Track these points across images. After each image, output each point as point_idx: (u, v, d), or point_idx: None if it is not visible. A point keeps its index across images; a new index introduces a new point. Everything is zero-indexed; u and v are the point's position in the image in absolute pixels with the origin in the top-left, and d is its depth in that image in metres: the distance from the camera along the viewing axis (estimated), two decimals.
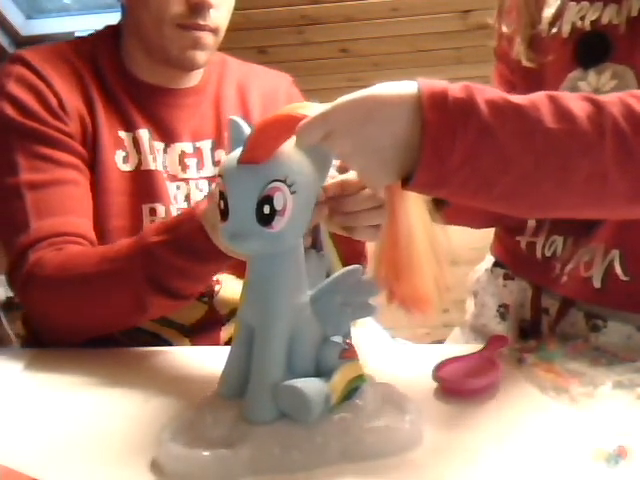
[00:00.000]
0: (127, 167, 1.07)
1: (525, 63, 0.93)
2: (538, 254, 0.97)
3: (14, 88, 1.04)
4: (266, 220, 0.66)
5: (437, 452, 0.71)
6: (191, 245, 0.86)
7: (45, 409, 0.82)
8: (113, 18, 1.16)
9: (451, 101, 0.63)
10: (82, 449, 0.74)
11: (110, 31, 1.13)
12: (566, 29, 0.90)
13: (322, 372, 0.71)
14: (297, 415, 0.69)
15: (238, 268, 1.10)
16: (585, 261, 0.91)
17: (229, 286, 1.11)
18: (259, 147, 0.66)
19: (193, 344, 1.09)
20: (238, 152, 0.68)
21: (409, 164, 0.64)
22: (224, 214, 0.68)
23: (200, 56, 1.06)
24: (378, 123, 0.63)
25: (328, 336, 0.72)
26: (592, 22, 0.88)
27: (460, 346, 0.97)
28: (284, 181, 0.66)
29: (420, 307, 0.69)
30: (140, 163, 1.08)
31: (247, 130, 0.72)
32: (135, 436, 0.76)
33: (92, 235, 1.01)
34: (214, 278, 1.09)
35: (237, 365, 0.73)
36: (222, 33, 1.08)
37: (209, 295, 1.10)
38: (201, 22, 1.03)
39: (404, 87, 0.64)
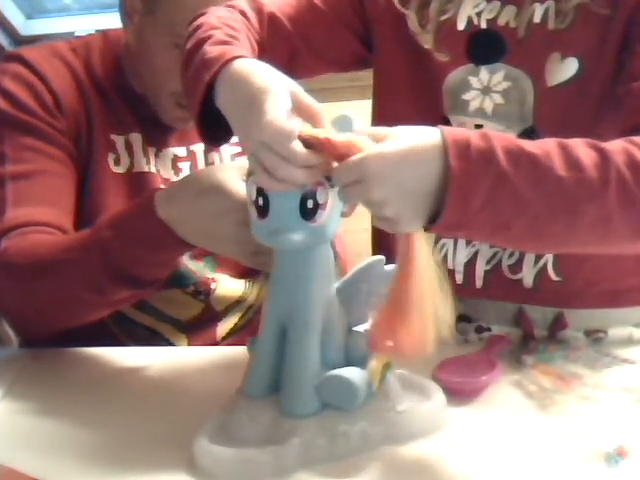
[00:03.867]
0: (119, 169, 1.07)
1: (421, 42, 0.90)
2: None
3: (9, 84, 1.04)
4: (309, 214, 0.68)
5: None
6: (148, 236, 0.85)
7: (45, 409, 0.82)
8: (113, 18, 1.15)
9: (473, 149, 0.66)
10: (83, 449, 0.75)
11: (112, 35, 1.13)
12: (462, 22, 0.89)
13: (352, 361, 0.73)
14: (342, 404, 0.71)
15: (233, 267, 1.11)
16: (509, 264, 0.91)
17: (224, 284, 1.11)
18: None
19: (189, 340, 1.09)
20: None
21: (433, 208, 0.67)
22: (263, 211, 0.69)
23: (191, 122, 1.08)
24: (410, 170, 0.66)
25: (352, 326, 0.74)
26: (488, 21, 0.88)
27: (460, 346, 0.97)
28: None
29: (418, 350, 0.70)
30: (132, 165, 1.08)
31: None
32: (136, 436, 0.76)
33: (67, 226, 1.00)
34: (210, 276, 1.09)
35: (267, 362, 0.74)
36: None
37: (205, 293, 1.10)
38: None
39: (428, 134, 0.68)
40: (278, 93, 0.69)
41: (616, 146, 0.71)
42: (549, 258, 0.90)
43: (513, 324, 0.94)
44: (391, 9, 0.92)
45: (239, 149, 1.15)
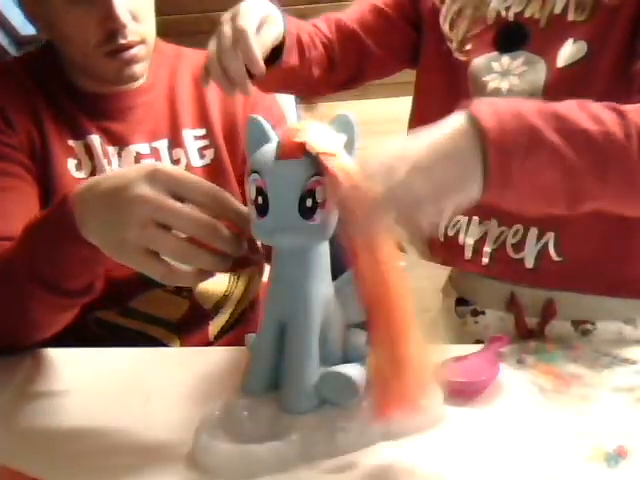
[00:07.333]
0: (81, 174, 1.07)
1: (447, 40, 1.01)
2: (440, 234, 1.00)
3: None
4: (308, 213, 0.68)
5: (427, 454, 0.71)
6: (61, 228, 0.78)
7: (43, 408, 0.82)
8: None
9: (502, 110, 0.66)
10: (82, 449, 0.75)
11: (52, 45, 1.13)
12: (491, 16, 0.98)
13: (351, 358, 0.73)
14: (341, 400, 0.71)
15: None
16: (512, 243, 0.95)
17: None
18: (300, 144, 0.67)
19: (182, 341, 1.09)
20: (271, 148, 0.69)
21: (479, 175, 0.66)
22: (262, 210, 0.69)
23: (137, 69, 1.08)
24: (446, 169, 0.64)
25: (349, 323, 0.75)
26: (516, 14, 0.96)
27: (460, 346, 0.97)
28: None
29: (410, 406, 0.68)
30: (94, 169, 1.08)
31: (269, 128, 0.72)
32: (136, 434, 0.76)
33: None
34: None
35: (266, 360, 0.75)
36: (152, 38, 1.09)
37: (187, 289, 1.10)
38: (123, 42, 1.04)
39: (449, 123, 0.66)
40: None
41: (631, 107, 0.72)
42: (551, 237, 0.92)
43: (505, 309, 0.98)
44: (434, 7, 1.02)
45: (206, 142, 1.15)
